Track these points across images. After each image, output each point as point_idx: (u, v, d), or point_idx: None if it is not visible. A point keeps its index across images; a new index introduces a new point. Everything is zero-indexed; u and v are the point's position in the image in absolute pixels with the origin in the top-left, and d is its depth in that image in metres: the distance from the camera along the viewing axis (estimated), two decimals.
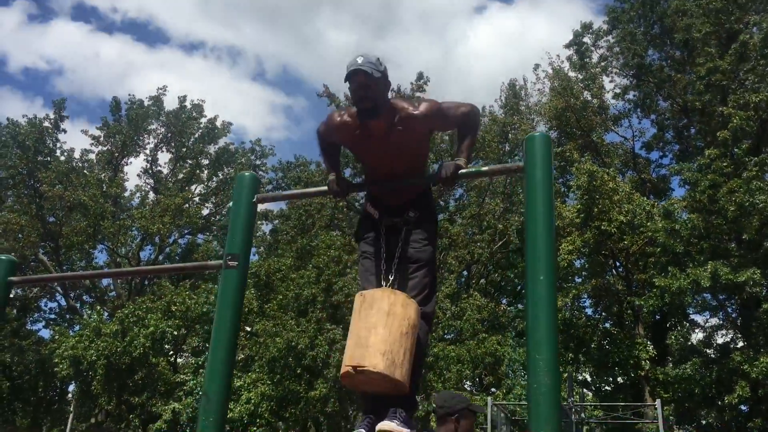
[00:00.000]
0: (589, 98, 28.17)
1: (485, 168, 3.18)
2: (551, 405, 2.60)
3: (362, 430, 3.20)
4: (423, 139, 3.44)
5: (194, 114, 33.18)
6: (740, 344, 22.84)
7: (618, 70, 28.36)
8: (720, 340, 24.85)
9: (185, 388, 22.77)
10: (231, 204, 3.57)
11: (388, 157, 3.36)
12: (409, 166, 3.42)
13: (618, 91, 28.49)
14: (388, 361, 2.92)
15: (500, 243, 25.89)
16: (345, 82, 3.27)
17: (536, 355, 2.67)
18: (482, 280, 29.31)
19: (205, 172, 34.26)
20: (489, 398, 17.49)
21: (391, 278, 3.32)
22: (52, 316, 34.57)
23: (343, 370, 3.01)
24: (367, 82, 3.21)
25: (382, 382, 2.98)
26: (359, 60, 3.21)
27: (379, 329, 2.98)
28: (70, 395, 32.37)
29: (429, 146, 3.57)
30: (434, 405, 4.09)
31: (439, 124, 3.44)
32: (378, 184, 3.51)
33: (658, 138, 29.24)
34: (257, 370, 22.31)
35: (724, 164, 20.24)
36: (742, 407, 21.27)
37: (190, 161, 34.02)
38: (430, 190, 3.73)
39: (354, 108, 3.38)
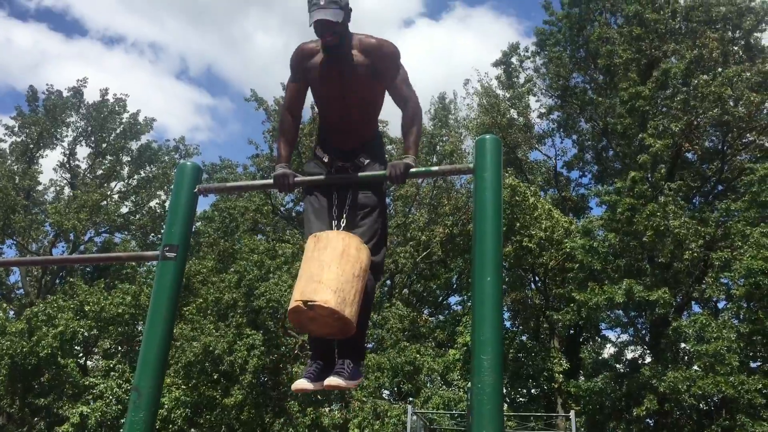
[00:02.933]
0: (515, 116, 28.90)
1: (435, 168, 3.20)
2: (494, 404, 2.62)
3: (308, 377, 3.19)
4: (376, 79, 3.40)
5: (117, 108, 32.17)
6: (648, 360, 23.77)
7: (544, 91, 29.22)
8: (629, 356, 25.78)
9: (94, 391, 21.91)
10: (171, 193, 3.44)
11: (343, 93, 3.35)
12: (362, 110, 3.43)
13: (543, 110, 29.35)
14: (339, 298, 2.89)
15: (424, 254, 26.13)
16: (310, 26, 3.25)
17: (481, 355, 2.69)
18: (405, 290, 29.49)
19: (126, 169, 33.24)
20: (409, 406, 17.58)
21: (343, 224, 3.30)
22: None
23: (292, 305, 2.95)
24: (331, 25, 3.21)
25: (331, 321, 2.93)
26: (321, 1, 3.17)
27: (332, 267, 2.96)
28: None
29: (383, 99, 3.54)
30: None
31: (389, 67, 3.40)
32: (331, 155, 3.48)
33: (579, 158, 30.24)
34: (172, 374, 21.71)
35: (644, 187, 21.09)
36: (649, 420, 22.10)
37: (110, 157, 32.93)
38: (381, 136, 3.73)
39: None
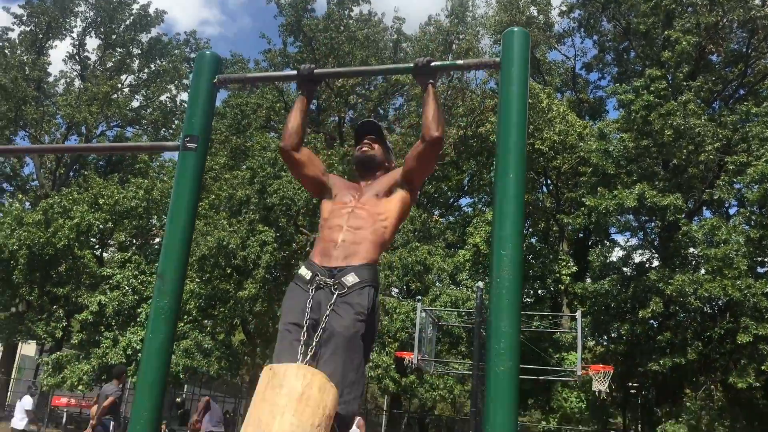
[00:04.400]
0: (535, 14, 28.01)
1: (460, 62, 3.09)
2: (512, 299, 2.64)
3: None
4: (394, 194, 3.24)
5: None
6: (655, 263, 24.02)
7: None
8: (637, 259, 26.04)
9: (111, 282, 22.49)
10: (191, 83, 3.38)
11: (355, 204, 3.20)
12: (366, 224, 3.15)
13: (564, 8, 28.40)
14: None
15: None
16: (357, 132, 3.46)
17: (501, 250, 2.68)
18: None
19: (137, 62, 32.77)
20: (418, 304, 17.97)
21: (310, 352, 2.80)
22: None
23: None
24: (374, 128, 3.40)
25: None
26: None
27: (286, 415, 2.43)
28: None
29: (397, 224, 3.25)
30: None
31: (413, 165, 3.23)
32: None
33: (599, 59, 29.52)
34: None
35: (662, 86, 20.64)
36: (653, 321, 22.57)
37: (120, 49, 32.40)
38: (378, 271, 3.23)
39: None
